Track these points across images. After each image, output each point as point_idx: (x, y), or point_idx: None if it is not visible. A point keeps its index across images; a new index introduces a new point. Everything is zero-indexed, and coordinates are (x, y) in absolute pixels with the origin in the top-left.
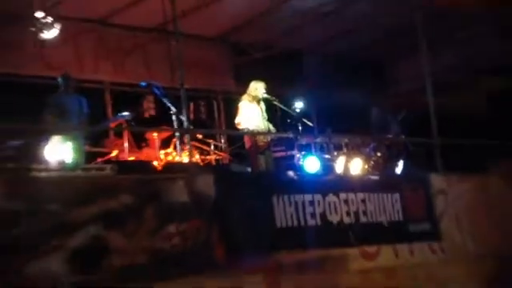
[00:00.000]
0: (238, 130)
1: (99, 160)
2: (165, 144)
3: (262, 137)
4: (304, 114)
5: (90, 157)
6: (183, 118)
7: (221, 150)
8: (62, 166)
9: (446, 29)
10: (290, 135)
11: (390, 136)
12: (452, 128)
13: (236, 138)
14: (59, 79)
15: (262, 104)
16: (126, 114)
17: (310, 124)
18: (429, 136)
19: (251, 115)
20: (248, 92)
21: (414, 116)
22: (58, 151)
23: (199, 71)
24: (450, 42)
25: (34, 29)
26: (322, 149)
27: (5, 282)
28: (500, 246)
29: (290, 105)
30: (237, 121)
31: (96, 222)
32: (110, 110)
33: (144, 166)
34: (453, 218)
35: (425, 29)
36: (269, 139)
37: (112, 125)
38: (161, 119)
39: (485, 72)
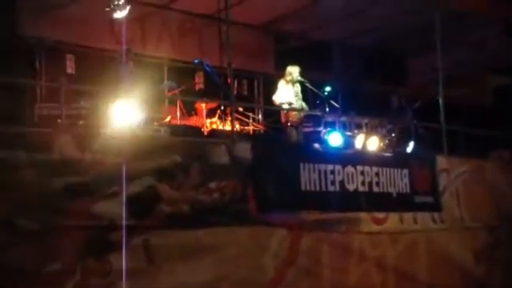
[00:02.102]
0: (273, 105)
1: (156, 124)
2: (211, 114)
3: (294, 113)
4: (331, 96)
5: (148, 121)
6: (228, 92)
7: (258, 122)
8: (125, 126)
9: (459, 28)
10: (318, 113)
11: (404, 120)
12: (459, 116)
13: (271, 112)
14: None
15: (297, 86)
16: (171, 83)
17: (336, 105)
18: (437, 122)
19: (286, 94)
20: (285, 75)
21: (426, 104)
22: (122, 113)
23: (244, 54)
24: (462, 40)
25: (108, 8)
26: (344, 127)
27: (77, 219)
28: (491, 220)
29: (319, 88)
30: (273, 98)
31: (150, 175)
32: (165, 81)
33: (192, 131)
34: (453, 193)
35: (441, 27)
36: (301, 116)
37: (168, 93)
38: (209, 92)
39: (491, 69)
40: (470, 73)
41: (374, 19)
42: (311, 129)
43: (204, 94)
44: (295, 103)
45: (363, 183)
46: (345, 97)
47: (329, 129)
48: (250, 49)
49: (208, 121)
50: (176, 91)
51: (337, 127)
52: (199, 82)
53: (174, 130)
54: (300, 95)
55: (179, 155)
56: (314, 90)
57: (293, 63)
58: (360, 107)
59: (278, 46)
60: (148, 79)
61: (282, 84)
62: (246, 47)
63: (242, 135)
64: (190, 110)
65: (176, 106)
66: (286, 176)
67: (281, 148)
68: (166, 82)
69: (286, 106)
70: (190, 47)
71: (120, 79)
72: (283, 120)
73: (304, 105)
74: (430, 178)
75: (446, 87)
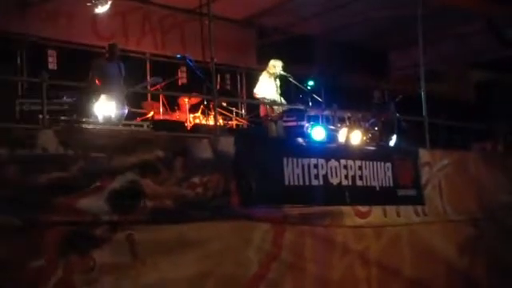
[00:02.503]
0: (256, 99)
1: (138, 119)
2: (194, 108)
3: (275, 107)
4: (314, 90)
5: (130, 116)
6: (211, 87)
7: (241, 116)
8: (107, 121)
9: (442, 23)
10: (301, 107)
11: (386, 113)
12: (441, 110)
13: (255, 107)
14: (107, 47)
15: (278, 81)
16: (157, 78)
17: (319, 99)
18: (419, 115)
19: (267, 88)
20: (267, 68)
21: (408, 98)
22: (105, 108)
23: (226, 49)
24: (444, 35)
25: (89, 3)
26: (327, 120)
27: (61, 215)
28: (474, 212)
29: (302, 82)
30: (255, 90)
31: (133, 170)
32: (149, 78)
33: (175, 126)
34: (435, 186)
35: (424, 22)
36: (281, 110)
37: (150, 88)
38: (192, 87)
39: (472, 64)
40: (452, 67)
41: (355, 13)
42: (294, 123)
43: (187, 89)
44: (275, 97)
45: (346, 177)
46: (327, 91)
47: (312, 123)
48: (232, 43)
49: (191, 116)
50: (159, 86)
51: (320, 121)
52: (182, 77)
53: (157, 125)
54: (279, 90)
55: (162, 150)
56: (297, 84)
57: (275, 57)
58: (343, 101)
59: (260, 41)
60: (131, 74)
61: (264, 77)
62: (228, 42)
63: (225, 130)
64: (172, 104)
65: (159, 101)
66: (270, 170)
67: (264, 142)
68: (153, 77)
69: (268, 101)
70: (173, 42)
71: (104, 75)
72: (262, 114)
73: (283, 100)
74: (412, 171)
75: (428, 81)
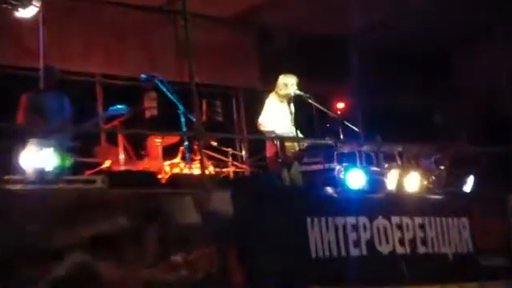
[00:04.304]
0: (262, 133)
1: (88, 172)
2: (170, 152)
3: (289, 144)
4: (346, 116)
5: (76, 169)
6: (194, 119)
7: (241, 159)
8: (42, 178)
9: None
10: (329, 142)
11: (457, 145)
12: None
13: (260, 145)
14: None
15: (292, 105)
16: (120, 107)
17: (355, 129)
18: (508, 146)
19: (277, 116)
20: (276, 88)
21: (487, 121)
22: (37, 158)
23: (215, 61)
24: None
25: (6, 5)
26: (368, 160)
27: None
28: None
29: (328, 104)
30: (260, 120)
31: (84, 248)
32: (100, 109)
33: (144, 179)
34: None
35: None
36: (299, 148)
37: (104, 125)
38: (165, 121)
39: None
40: None
41: (402, 3)
42: (319, 166)
43: (158, 124)
44: (290, 129)
45: (402, 242)
46: (367, 116)
47: (346, 164)
48: (222, 53)
49: (166, 163)
50: (116, 122)
51: (357, 161)
52: (150, 107)
53: (116, 178)
54: (294, 118)
55: (125, 216)
56: (321, 108)
57: (287, 71)
58: (390, 130)
59: (263, 47)
60: (75, 105)
61: (272, 100)
62: (216, 51)
63: (218, 181)
64: (138, 148)
65: (117, 144)
66: (286, 236)
67: (275, 196)
68: (110, 108)
69: (278, 135)
70: (133, 56)
71: (37, 110)
72: (270, 154)
73: (299, 133)
74: (500, 228)
75: None
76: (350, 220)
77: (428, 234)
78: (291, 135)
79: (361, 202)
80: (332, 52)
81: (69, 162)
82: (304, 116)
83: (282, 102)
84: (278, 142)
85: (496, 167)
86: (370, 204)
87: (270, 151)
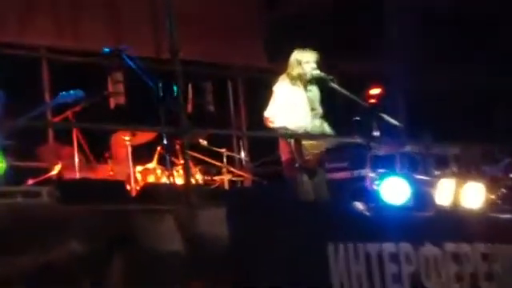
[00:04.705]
0: (268, 129)
1: (31, 181)
2: (142, 155)
3: (308, 144)
4: (384, 105)
5: (14, 176)
6: (175, 109)
7: (240, 164)
8: None
9: None
10: (359, 141)
11: None
12: None
13: (267, 145)
14: None
15: (311, 90)
16: (74, 92)
17: (394, 122)
18: None
19: (291, 106)
20: (288, 69)
21: None
22: None
23: (205, 32)
24: None
25: None
26: (413, 165)
27: None
28: None
29: (359, 90)
30: (266, 114)
31: (24, 284)
32: (47, 95)
33: (107, 191)
34: None
35: None
36: (323, 148)
37: (52, 117)
38: (136, 112)
39: None
40: None
41: None
42: (347, 172)
43: (127, 116)
44: (309, 123)
45: (460, 277)
46: (412, 104)
47: (382, 171)
48: (215, 22)
49: (138, 169)
50: (69, 113)
51: (397, 167)
52: (115, 93)
53: (69, 190)
54: (319, 107)
55: (81, 241)
56: (348, 94)
57: (302, 45)
58: (442, 123)
59: (271, 15)
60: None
61: (283, 85)
62: (207, 19)
63: (209, 193)
64: (99, 148)
65: (72, 143)
66: (301, 268)
67: (288, 214)
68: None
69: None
70: (93, 24)
71: None
72: (285, 158)
73: (326, 127)
74: None
75: None
76: (388, 247)
77: (494, 267)
78: (312, 131)
79: (402, 222)
80: (364, 18)
81: (2, 167)
82: (326, 105)
83: (295, 86)
84: (292, 142)
85: None
86: (415, 225)
87: (285, 153)
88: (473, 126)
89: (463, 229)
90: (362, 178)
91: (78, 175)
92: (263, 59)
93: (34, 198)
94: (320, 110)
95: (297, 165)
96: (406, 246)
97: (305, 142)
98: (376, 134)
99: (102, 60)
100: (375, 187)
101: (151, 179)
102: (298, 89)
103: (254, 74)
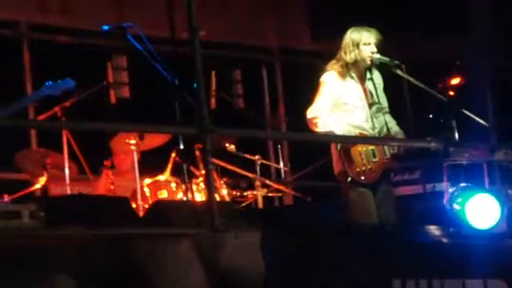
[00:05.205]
0: (314, 133)
1: (7, 198)
2: (153, 163)
3: (367, 149)
4: (465, 100)
5: None
6: (194, 104)
7: (278, 176)
8: None
9: None
10: (433, 145)
11: None
12: None
13: (311, 150)
14: None
15: (376, 75)
16: (64, 82)
17: (481, 122)
18: None
19: (344, 102)
20: (340, 52)
21: None
22: None
23: (231, 8)
24: None
25: None
26: (506, 178)
27: None
28: None
29: (433, 80)
30: (310, 113)
31: None
32: (29, 85)
33: (107, 210)
34: None
35: None
36: (387, 155)
37: (37, 115)
38: (143, 108)
39: None
40: None
41: None
42: (418, 187)
43: (131, 112)
44: (368, 123)
45: None
46: (504, 100)
47: (464, 185)
48: None
49: (146, 182)
50: (58, 110)
51: (486, 180)
52: (118, 82)
53: (57, 209)
54: (384, 100)
55: (73, 275)
56: (420, 85)
57: (357, 21)
58: None
59: None
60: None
61: (333, 76)
62: None
63: (238, 213)
64: (97, 155)
65: (61, 148)
66: None
67: (340, 242)
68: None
69: (346, 131)
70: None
71: None
72: (337, 169)
73: (394, 126)
74: None
75: None
76: (474, 285)
77: None
78: (371, 133)
79: (492, 252)
80: None
81: None
82: (391, 100)
83: (349, 77)
84: (339, 147)
85: None
86: (509, 257)
87: (337, 165)
88: None
89: None
90: (438, 195)
91: (68, 190)
92: (306, 39)
93: (11, 219)
94: (384, 104)
95: (349, 179)
96: (497, 284)
97: (362, 148)
98: (456, 136)
99: (99, 41)
100: (456, 207)
101: (163, 195)
102: (352, 81)
103: (294, 58)
